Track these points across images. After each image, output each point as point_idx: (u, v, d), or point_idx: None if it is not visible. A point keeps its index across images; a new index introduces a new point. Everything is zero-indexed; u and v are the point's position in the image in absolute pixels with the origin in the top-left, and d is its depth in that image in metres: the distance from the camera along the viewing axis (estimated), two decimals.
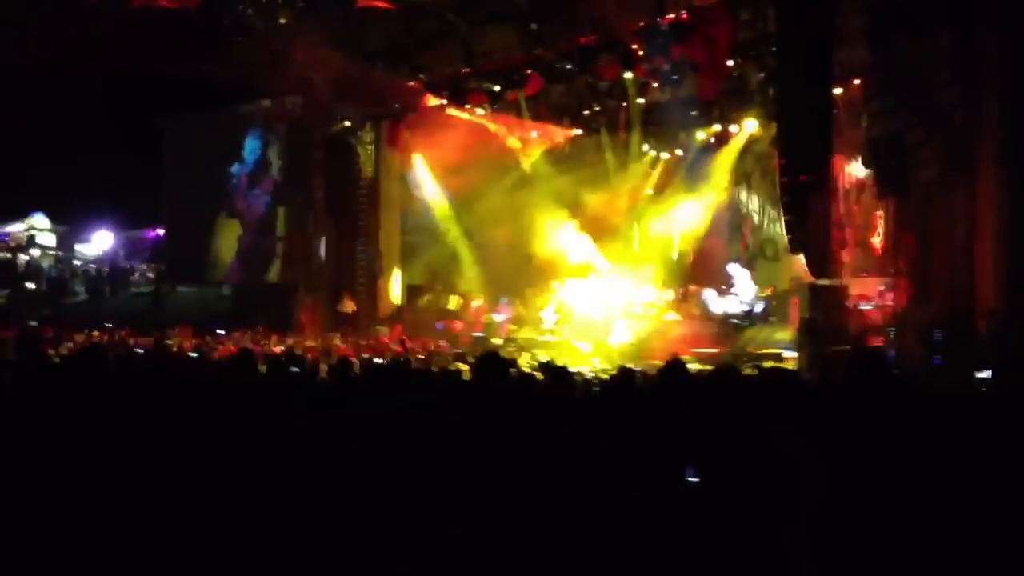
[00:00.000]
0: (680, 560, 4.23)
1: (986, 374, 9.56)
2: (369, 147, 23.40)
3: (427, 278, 23.91)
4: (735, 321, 18.49)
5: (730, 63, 17.48)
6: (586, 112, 21.71)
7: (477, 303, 22.32)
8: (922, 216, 13.72)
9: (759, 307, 18.71)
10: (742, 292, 18.86)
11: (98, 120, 24.78)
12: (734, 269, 19.14)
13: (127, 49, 19.80)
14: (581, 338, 19.30)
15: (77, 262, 34.02)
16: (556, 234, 22.58)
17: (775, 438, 4.26)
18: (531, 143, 23.29)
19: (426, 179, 23.73)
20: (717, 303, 19.10)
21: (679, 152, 21.99)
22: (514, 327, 21.29)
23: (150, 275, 32.51)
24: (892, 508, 4.01)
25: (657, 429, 4.85)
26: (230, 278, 26.12)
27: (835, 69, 14.29)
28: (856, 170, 17.30)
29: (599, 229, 22.57)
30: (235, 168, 25.52)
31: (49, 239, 33.65)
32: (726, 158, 21.07)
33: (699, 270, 21.11)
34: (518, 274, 22.54)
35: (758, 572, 4.01)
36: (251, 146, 25.27)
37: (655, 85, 19.31)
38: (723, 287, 19.19)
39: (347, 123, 23.13)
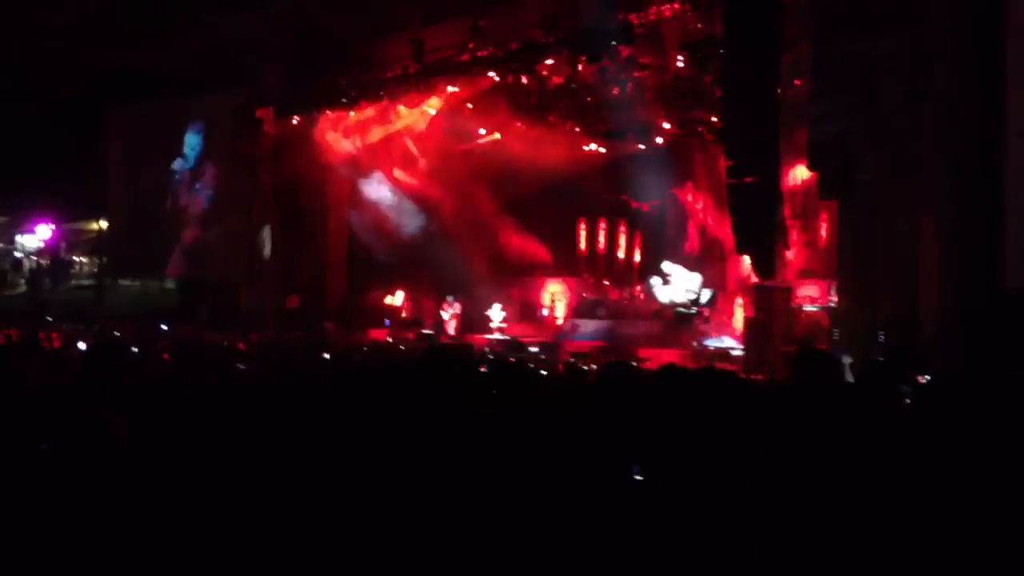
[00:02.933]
0: (629, 553, 4.24)
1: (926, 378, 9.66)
2: (316, 140, 23.18)
3: (374, 274, 23.73)
4: (681, 310, 18.74)
5: (678, 63, 17.54)
6: (534, 110, 21.62)
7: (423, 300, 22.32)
8: (865, 218, 13.87)
9: (705, 296, 18.93)
10: (689, 281, 19.08)
11: (41, 110, 24.29)
12: (668, 266, 19.35)
13: (72, 36, 19.51)
14: (528, 336, 19.36)
15: (17, 253, 33.40)
16: (504, 232, 22.60)
17: (718, 436, 4.29)
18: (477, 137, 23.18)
19: (375, 174, 23.51)
20: (663, 291, 19.32)
21: (627, 151, 22.01)
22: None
23: (93, 268, 31.97)
24: (833, 503, 4.06)
25: (604, 427, 4.86)
26: (171, 272, 25.78)
27: (781, 70, 14.38)
28: (801, 172, 17.47)
29: (547, 227, 22.62)
30: (177, 164, 25.21)
31: None
32: (673, 158, 21.17)
33: (646, 268, 21.21)
34: (466, 271, 22.50)
35: (704, 562, 4.03)
36: (192, 141, 24.96)
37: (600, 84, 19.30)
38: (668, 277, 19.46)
39: (295, 116, 22.89)
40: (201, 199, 24.96)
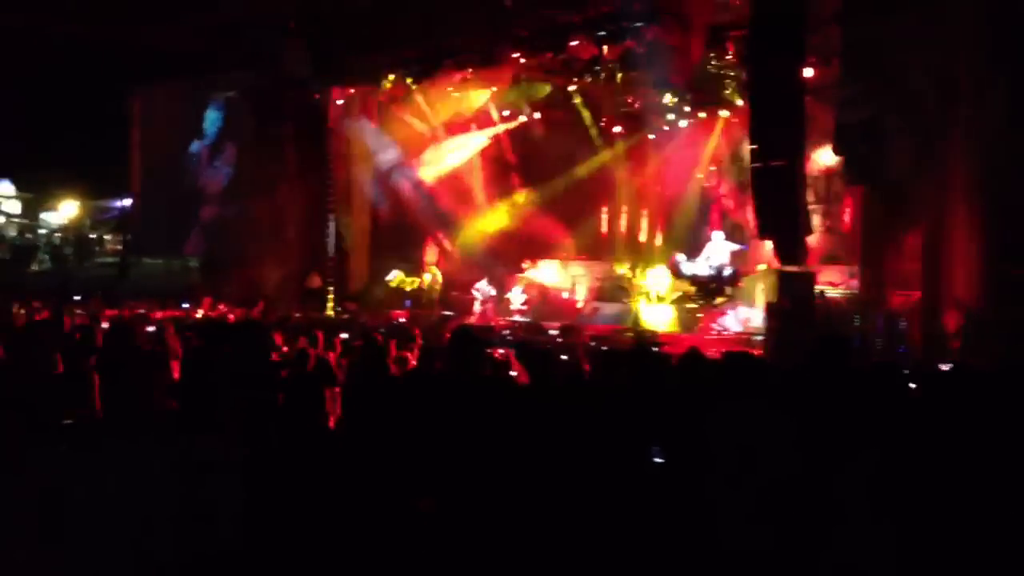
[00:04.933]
0: (652, 538, 4.25)
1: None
2: (339, 120, 23.19)
3: (396, 254, 23.71)
4: (704, 284, 18.89)
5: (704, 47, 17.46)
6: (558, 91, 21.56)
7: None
8: (891, 204, 13.79)
9: (727, 272, 18.95)
10: (713, 256, 19.11)
11: (66, 87, 24.40)
12: (716, 235, 19.42)
13: (97, 15, 19.59)
14: (550, 319, 19.35)
15: (42, 230, 33.58)
16: (526, 214, 22.59)
17: (741, 421, 4.28)
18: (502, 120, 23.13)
19: (396, 154, 23.45)
20: (687, 266, 19.39)
21: (651, 135, 21.92)
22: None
23: (116, 246, 32.12)
24: (858, 486, 4.05)
25: (628, 411, 4.86)
26: (188, 250, 25.90)
27: (808, 53, 14.28)
28: (826, 156, 17.37)
29: (569, 209, 22.59)
30: (195, 145, 25.32)
31: (14, 206, 33.19)
32: (698, 141, 21.11)
33: (666, 253, 21.17)
34: (487, 253, 22.55)
35: (727, 547, 4.04)
36: (212, 118, 25.01)
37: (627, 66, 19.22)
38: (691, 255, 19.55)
39: (317, 96, 22.88)
40: (221, 177, 25.01)
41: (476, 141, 23.20)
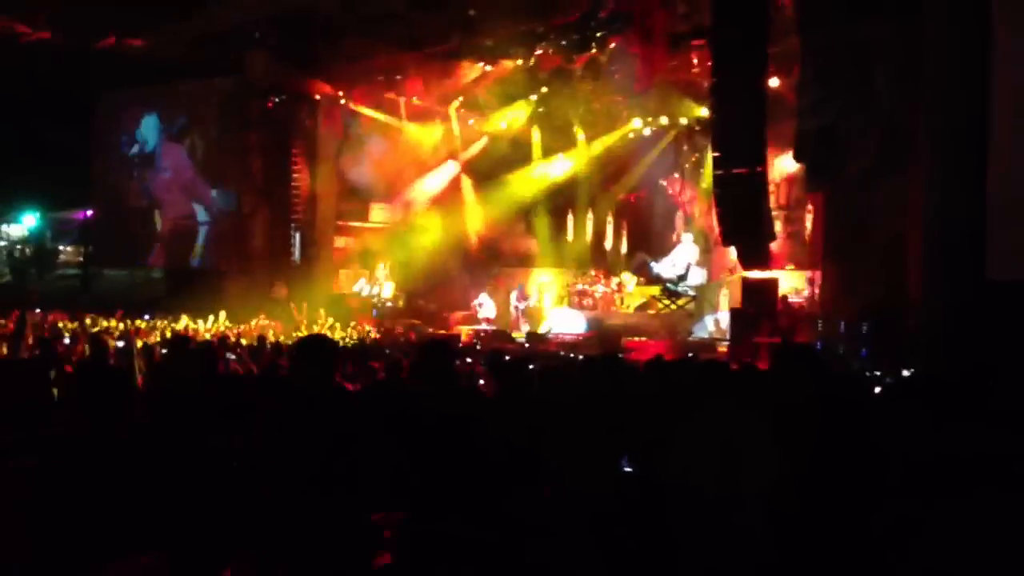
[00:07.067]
0: (623, 546, 4.29)
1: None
2: (305, 129, 23.12)
3: (364, 265, 23.68)
4: (669, 285, 19.09)
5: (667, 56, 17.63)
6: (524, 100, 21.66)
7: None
8: (852, 209, 13.94)
9: (694, 275, 19.18)
10: (677, 258, 19.34)
11: (26, 95, 24.13)
12: (685, 238, 19.64)
13: (62, 21, 19.48)
14: (516, 327, 19.43)
15: (3, 242, 33.20)
16: (492, 223, 22.65)
17: (707, 427, 4.34)
18: (467, 130, 23.21)
19: (362, 163, 23.42)
20: (653, 267, 19.68)
21: (616, 142, 22.05)
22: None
23: (78, 257, 31.80)
24: (824, 494, 4.11)
25: (599, 419, 4.90)
26: (153, 261, 25.70)
27: (769, 61, 14.43)
28: (787, 162, 17.55)
29: (535, 218, 22.71)
30: (134, 149, 25.23)
31: None
32: (660, 149, 21.30)
33: (630, 260, 21.33)
34: (454, 263, 22.60)
35: (696, 553, 4.08)
36: (149, 123, 24.89)
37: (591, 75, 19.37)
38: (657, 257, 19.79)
39: (282, 103, 22.79)
40: (170, 183, 24.79)
41: (447, 170, 23.28)
